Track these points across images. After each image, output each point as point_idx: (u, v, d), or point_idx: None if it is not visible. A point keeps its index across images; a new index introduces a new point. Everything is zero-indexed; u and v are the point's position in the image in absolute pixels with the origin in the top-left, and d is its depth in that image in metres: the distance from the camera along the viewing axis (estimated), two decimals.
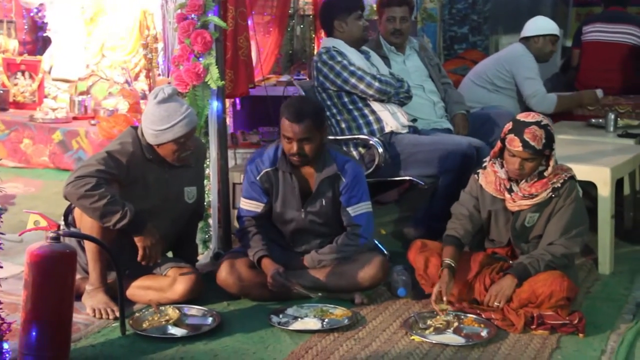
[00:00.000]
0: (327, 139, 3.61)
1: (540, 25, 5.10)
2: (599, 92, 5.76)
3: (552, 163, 3.22)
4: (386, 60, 4.53)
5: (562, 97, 5.10)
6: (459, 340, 3.03)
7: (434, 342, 3.02)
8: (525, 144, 3.14)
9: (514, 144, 3.17)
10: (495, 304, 3.17)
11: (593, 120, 5.14)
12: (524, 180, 3.26)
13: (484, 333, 3.07)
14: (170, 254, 3.59)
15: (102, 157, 3.19)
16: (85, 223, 3.17)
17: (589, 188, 3.94)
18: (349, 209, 3.50)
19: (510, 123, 3.24)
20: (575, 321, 3.09)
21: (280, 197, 3.52)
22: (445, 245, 3.34)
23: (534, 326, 3.10)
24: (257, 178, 3.51)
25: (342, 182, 3.49)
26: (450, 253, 3.29)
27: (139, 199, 3.24)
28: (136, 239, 3.19)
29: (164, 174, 3.36)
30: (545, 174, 3.23)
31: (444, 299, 3.17)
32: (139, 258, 3.21)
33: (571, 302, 3.15)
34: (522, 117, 3.24)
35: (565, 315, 3.10)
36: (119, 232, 3.18)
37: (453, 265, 3.24)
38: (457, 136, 3.97)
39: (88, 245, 3.22)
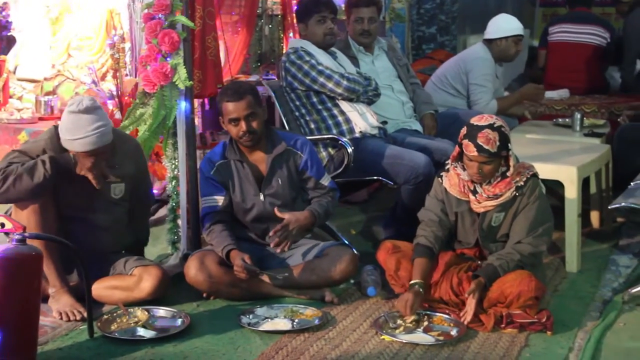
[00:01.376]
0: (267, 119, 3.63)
1: (502, 26, 5.08)
2: (564, 92, 5.84)
3: (511, 163, 3.24)
4: (355, 60, 4.54)
5: (502, 100, 5.11)
6: (428, 339, 3.05)
7: (404, 341, 3.03)
8: (479, 148, 3.16)
9: (469, 149, 3.18)
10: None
11: (560, 120, 5.20)
12: (486, 182, 3.28)
13: (453, 332, 3.09)
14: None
15: (11, 155, 3.22)
16: (21, 217, 3.12)
17: (556, 187, 3.99)
18: (323, 180, 3.61)
19: (465, 128, 3.25)
20: (544, 319, 3.12)
21: (237, 187, 3.55)
22: (417, 256, 3.31)
23: (503, 325, 3.12)
24: (212, 173, 3.56)
25: (300, 157, 3.58)
26: (421, 269, 3.26)
27: (69, 193, 3.26)
28: (78, 167, 3.17)
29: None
30: (508, 174, 3.26)
31: (409, 314, 3.16)
32: (93, 182, 3.19)
33: (539, 301, 3.18)
34: (475, 120, 3.25)
35: (533, 314, 3.13)
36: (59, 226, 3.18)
37: (421, 290, 3.22)
38: (416, 153, 3.96)
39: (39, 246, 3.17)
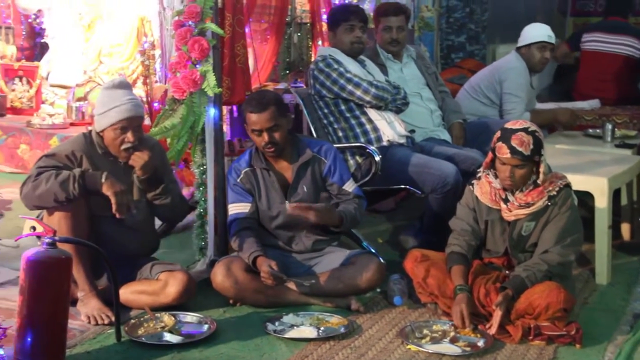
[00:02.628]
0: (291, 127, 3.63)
1: (525, 34, 5.07)
2: (595, 103, 5.78)
3: (542, 170, 3.22)
4: (383, 68, 4.54)
5: (535, 114, 5.07)
6: (455, 350, 3.02)
7: (430, 351, 3.00)
8: (513, 150, 3.15)
9: (502, 151, 3.17)
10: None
11: (590, 131, 5.15)
12: (518, 190, 3.25)
13: (480, 343, 3.06)
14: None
15: (39, 160, 3.26)
16: (52, 221, 3.15)
17: (586, 198, 3.94)
18: (346, 187, 3.60)
19: (499, 132, 3.25)
20: (573, 332, 3.08)
21: (263, 194, 3.57)
22: (453, 264, 3.30)
23: (531, 337, 3.09)
24: (238, 180, 3.58)
25: (324, 163, 3.59)
26: (460, 275, 3.25)
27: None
28: (104, 190, 3.15)
29: (118, 165, 3.36)
30: (539, 181, 3.23)
31: (467, 326, 3.13)
32: (113, 209, 3.16)
33: (568, 313, 3.14)
34: (509, 125, 3.25)
35: (562, 326, 3.09)
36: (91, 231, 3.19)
37: (468, 290, 3.21)
38: (444, 162, 3.95)
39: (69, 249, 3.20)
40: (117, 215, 3.17)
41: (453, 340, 3.08)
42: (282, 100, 3.62)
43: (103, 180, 3.14)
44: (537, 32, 5.05)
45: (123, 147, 3.30)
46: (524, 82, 5.03)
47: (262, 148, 3.51)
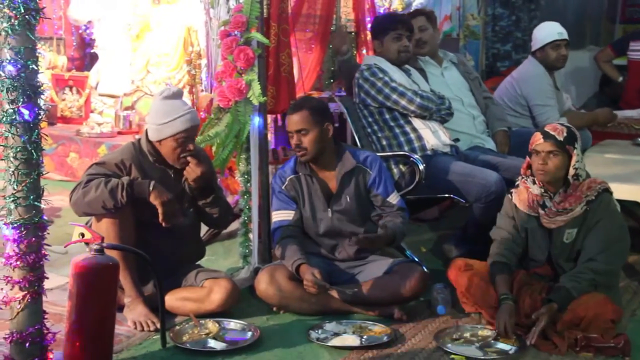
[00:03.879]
0: (331, 137, 3.60)
1: (537, 37, 5.03)
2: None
3: (573, 163, 3.18)
4: (423, 72, 4.52)
5: (573, 117, 4.98)
6: (476, 353, 3.02)
7: (449, 350, 3.02)
8: (546, 135, 3.19)
9: (536, 139, 3.22)
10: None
11: (639, 139, 5.05)
12: (556, 195, 3.22)
13: (511, 351, 3.04)
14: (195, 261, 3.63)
15: (90, 168, 3.31)
16: (100, 228, 3.20)
17: (635, 208, 3.87)
18: (390, 199, 3.59)
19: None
20: (621, 344, 3.02)
21: (307, 202, 3.58)
22: (496, 273, 3.28)
23: (577, 348, 3.04)
24: (283, 187, 3.60)
25: (369, 174, 3.58)
26: (504, 284, 3.23)
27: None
28: (151, 199, 3.19)
29: (168, 172, 3.41)
30: (569, 177, 3.19)
31: (509, 334, 3.11)
32: (160, 218, 3.20)
33: (616, 325, 3.09)
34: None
35: (610, 338, 3.03)
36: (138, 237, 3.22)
37: (512, 300, 3.18)
38: (488, 171, 3.92)
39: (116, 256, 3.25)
40: (164, 224, 3.21)
41: (484, 346, 3.06)
42: (324, 108, 3.63)
43: (151, 189, 3.19)
44: (547, 32, 5.00)
45: (182, 155, 3.35)
46: (547, 87, 4.96)
47: (295, 151, 3.54)
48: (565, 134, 3.18)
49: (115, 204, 3.16)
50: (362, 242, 3.40)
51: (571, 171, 3.19)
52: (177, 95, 3.41)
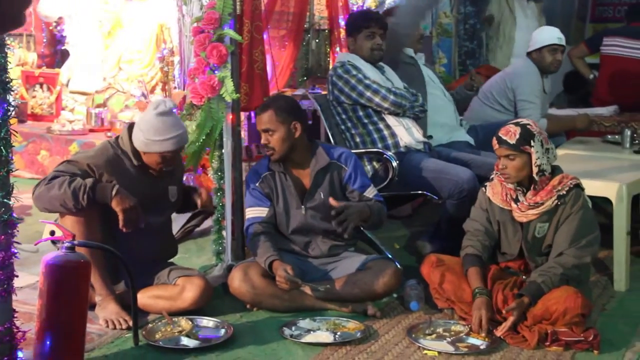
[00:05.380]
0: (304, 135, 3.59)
1: (537, 38, 5.09)
2: (613, 109, 5.74)
3: (535, 161, 3.20)
4: (413, 66, 4.65)
5: (553, 121, 5.08)
6: (448, 348, 3.04)
7: (421, 346, 3.04)
8: (499, 140, 3.23)
9: (493, 144, 3.26)
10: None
11: (609, 137, 5.12)
12: (530, 190, 3.25)
13: (483, 346, 3.06)
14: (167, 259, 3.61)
15: (60, 165, 3.28)
16: (66, 226, 3.16)
17: (605, 204, 3.92)
18: (367, 193, 3.59)
19: None
20: (590, 338, 3.06)
21: (281, 198, 3.59)
22: (469, 266, 3.30)
23: (547, 342, 3.07)
24: (257, 184, 3.60)
25: (345, 171, 3.59)
26: (477, 277, 3.25)
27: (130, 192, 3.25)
28: (113, 205, 3.13)
29: (149, 171, 3.39)
30: (534, 175, 3.22)
31: (484, 329, 3.13)
32: (120, 224, 3.14)
33: (586, 319, 3.12)
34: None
35: (579, 332, 3.07)
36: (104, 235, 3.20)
37: (487, 293, 3.21)
38: (461, 168, 3.96)
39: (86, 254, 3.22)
40: (124, 230, 3.16)
41: (456, 341, 3.09)
42: (292, 106, 3.60)
43: (113, 194, 3.13)
44: (547, 35, 5.07)
45: (164, 169, 3.36)
46: (537, 87, 5.03)
47: (263, 150, 3.55)
48: (517, 136, 3.19)
49: (75, 204, 3.11)
50: (337, 210, 3.36)
51: (534, 169, 3.23)
52: (171, 112, 3.33)
